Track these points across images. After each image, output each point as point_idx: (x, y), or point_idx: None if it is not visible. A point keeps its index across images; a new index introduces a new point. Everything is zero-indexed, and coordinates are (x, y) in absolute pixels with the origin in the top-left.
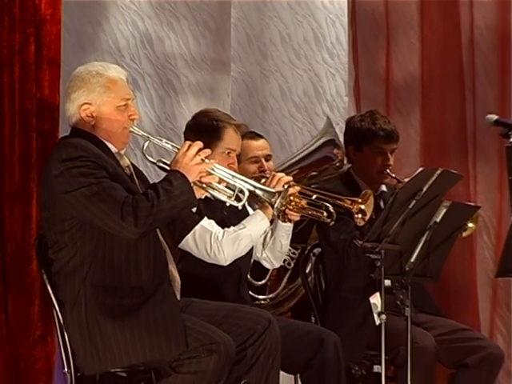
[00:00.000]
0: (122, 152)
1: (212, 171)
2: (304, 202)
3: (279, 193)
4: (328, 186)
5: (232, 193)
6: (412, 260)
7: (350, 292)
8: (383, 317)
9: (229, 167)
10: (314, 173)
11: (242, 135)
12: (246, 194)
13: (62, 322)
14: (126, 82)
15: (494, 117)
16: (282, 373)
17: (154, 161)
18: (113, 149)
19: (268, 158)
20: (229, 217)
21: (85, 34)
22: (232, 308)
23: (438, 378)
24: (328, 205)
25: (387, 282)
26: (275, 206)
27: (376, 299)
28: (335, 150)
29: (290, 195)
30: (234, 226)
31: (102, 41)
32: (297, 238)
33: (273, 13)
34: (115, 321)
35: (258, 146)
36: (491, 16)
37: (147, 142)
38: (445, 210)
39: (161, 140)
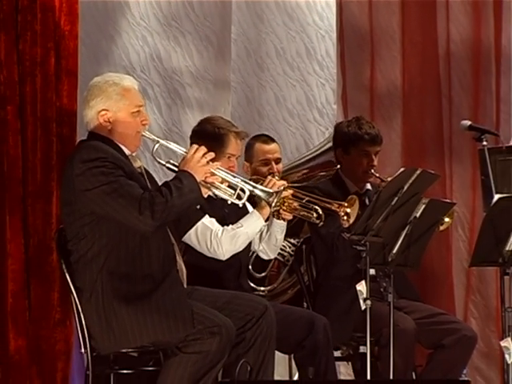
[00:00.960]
0: (134, 154)
1: (216, 172)
2: (296, 204)
3: (276, 193)
4: (319, 185)
5: (233, 192)
6: (394, 251)
7: (338, 280)
8: (368, 302)
9: (229, 170)
10: (323, 173)
11: (256, 138)
12: (247, 192)
13: (79, 307)
14: (138, 90)
15: (468, 122)
16: (277, 353)
17: (163, 162)
18: (126, 151)
19: (278, 160)
20: (229, 214)
21: (100, 48)
22: (232, 295)
23: (417, 358)
24: (317, 207)
25: (372, 271)
26: (272, 204)
27: (362, 286)
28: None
29: (284, 197)
30: (233, 223)
31: (115, 54)
32: (290, 232)
33: (269, 29)
34: (129, 305)
35: (270, 150)
36: (466, 31)
37: (157, 145)
38: (423, 206)
39: (169, 143)
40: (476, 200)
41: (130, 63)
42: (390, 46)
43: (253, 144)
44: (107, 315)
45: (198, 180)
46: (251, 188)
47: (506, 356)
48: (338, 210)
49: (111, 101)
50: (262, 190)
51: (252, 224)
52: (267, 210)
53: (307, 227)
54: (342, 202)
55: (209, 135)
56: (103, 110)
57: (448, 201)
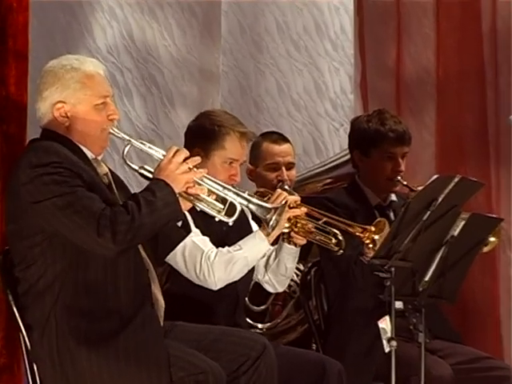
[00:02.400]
0: (100, 158)
1: (201, 182)
2: (311, 226)
3: (275, 209)
4: (331, 196)
5: (222, 207)
6: (426, 279)
7: (355, 315)
8: (393, 343)
9: (229, 179)
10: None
11: (264, 136)
12: (238, 208)
13: (29, 349)
14: (104, 77)
15: None
16: None
17: (136, 168)
18: (89, 154)
19: (290, 166)
20: (228, 233)
21: (56, 23)
22: (221, 332)
23: None
24: (337, 232)
25: (398, 304)
26: (270, 223)
27: (385, 323)
28: None
29: (297, 217)
30: (234, 243)
31: (76, 31)
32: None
33: None
34: (90, 348)
35: (280, 152)
36: None
37: (128, 146)
38: (463, 223)
39: (144, 144)
40: None
41: (94, 42)
42: (422, 21)
43: (259, 143)
44: (62, 360)
45: (177, 191)
46: (245, 202)
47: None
48: (361, 235)
49: (69, 90)
50: (258, 205)
51: (253, 247)
52: (276, 231)
53: (316, 249)
54: (368, 227)
55: (206, 134)
56: (59, 101)
57: (494, 216)
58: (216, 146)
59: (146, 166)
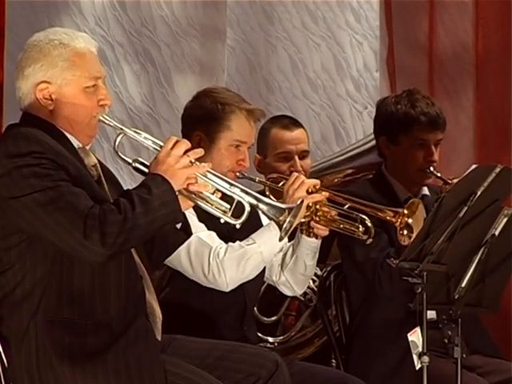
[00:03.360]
0: (88, 147)
1: (203, 178)
2: (334, 213)
3: (290, 209)
4: (353, 189)
5: (228, 206)
6: (463, 285)
7: (381, 327)
8: (425, 359)
9: (237, 165)
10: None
11: (273, 122)
12: (247, 209)
13: (5, 363)
14: (97, 55)
15: None
16: None
17: (129, 160)
18: (75, 143)
19: (304, 154)
20: (235, 229)
21: None
22: (228, 348)
23: None
24: (365, 217)
25: (431, 314)
26: (283, 226)
27: (416, 336)
28: None
29: (317, 203)
30: (240, 240)
31: (59, 0)
32: None
33: None
34: (74, 366)
35: (292, 139)
36: None
37: (120, 136)
38: (506, 220)
39: (138, 133)
40: None
41: (80, 12)
42: None
43: (268, 130)
44: (43, 377)
45: (177, 188)
46: (254, 202)
47: (414, 356)
48: (394, 220)
49: (55, 69)
50: (270, 205)
51: (269, 241)
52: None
53: (337, 249)
54: (400, 209)
55: (208, 114)
56: (43, 81)
57: None
58: (220, 127)
59: (141, 159)
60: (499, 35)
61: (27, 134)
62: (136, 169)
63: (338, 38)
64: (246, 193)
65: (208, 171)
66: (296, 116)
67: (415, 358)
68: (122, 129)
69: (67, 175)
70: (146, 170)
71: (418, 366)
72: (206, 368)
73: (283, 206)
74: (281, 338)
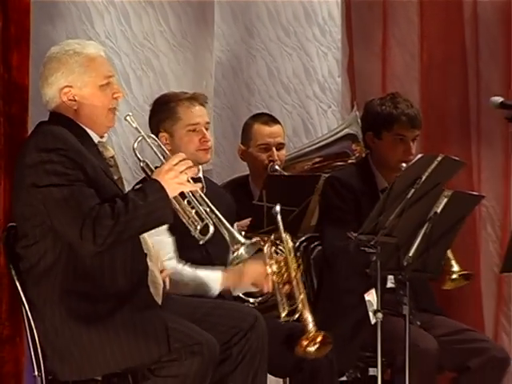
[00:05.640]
0: (105, 139)
1: (191, 197)
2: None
3: (243, 244)
4: (338, 174)
5: (200, 222)
6: (410, 254)
7: (344, 293)
8: (379, 315)
9: (200, 143)
10: (338, 163)
11: (255, 118)
12: (211, 230)
13: (31, 322)
14: (106, 57)
15: (500, 99)
16: (270, 377)
17: (142, 164)
18: (95, 138)
19: (280, 146)
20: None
21: (55, 9)
22: (214, 305)
23: (438, 383)
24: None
25: (390, 283)
26: (234, 254)
27: (371, 296)
28: (354, 146)
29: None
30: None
31: (75, 17)
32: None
33: None
34: (89, 326)
35: (270, 133)
36: None
37: (140, 138)
38: (446, 200)
39: (155, 141)
40: (508, 192)
41: (92, 27)
42: (407, 7)
43: (251, 125)
44: (65, 338)
45: (170, 197)
46: (222, 229)
47: (370, 313)
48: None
49: (74, 75)
50: (230, 233)
51: (210, 283)
52: (237, 278)
53: (306, 224)
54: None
55: (162, 114)
56: (66, 86)
57: (475, 193)
58: (173, 121)
59: (149, 163)
60: (442, 46)
61: (55, 131)
62: (142, 168)
63: (307, 49)
64: (218, 219)
65: (197, 191)
66: (272, 113)
67: (371, 314)
68: (141, 134)
69: (83, 175)
70: (148, 173)
71: (373, 321)
72: (195, 322)
73: (242, 240)
74: (260, 298)
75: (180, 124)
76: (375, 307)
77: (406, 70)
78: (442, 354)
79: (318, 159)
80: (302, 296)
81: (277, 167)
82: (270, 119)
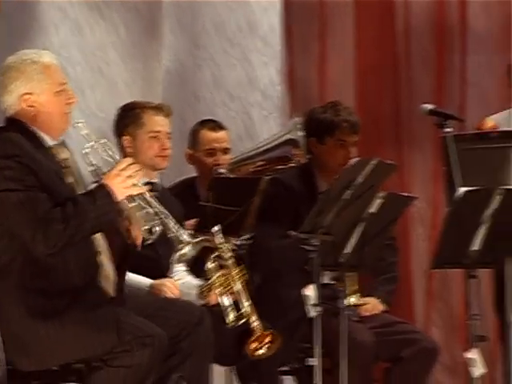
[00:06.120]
0: (59, 140)
1: (139, 199)
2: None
3: (188, 243)
4: (280, 176)
5: (148, 225)
6: (347, 251)
7: (284, 289)
8: (317, 309)
9: (160, 150)
10: (280, 167)
11: (202, 124)
12: (157, 231)
13: None
14: (59, 66)
15: (429, 106)
16: (216, 366)
17: (91, 169)
18: (49, 142)
19: (226, 151)
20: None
21: (13, 20)
22: (165, 301)
23: (373, 372)
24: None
25: (327, 274)
26: (180, 252)
27: (310, 291)
28: (294, 150)
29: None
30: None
31: (30, 28)
32: (229, 230)
33: (206, 0)
34: (47, 321)
35: (216, 139)
36: (428, 3)
37: (91, 144)
38: (380, 201)
39: (104, 147)
40: (437, 194)
41: (48, 39)
42: (343, 19)
43: (198, 130)
44: (24, 332)
45: (117, 200)
46: (169, 229)
47: (472, 369)
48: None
49: (33, 82)
50: (175, 234)
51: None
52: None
53: (250, 223)
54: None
55: (126, 120)
56: (26, 93)
57: (407, 195)
58: (137, 126)
59: (100, 168)
60: (375, 55)
61: (13, 138)
62: (92, 172)
63: (250, 59)
64: (163, 219)
65: (145, 193)
66: (218, 120)
67: (309, 308)
68: (91, 139)
69: (38, 179)
70: (97, 176)
71: (311, 315)
72: (147, 317)
73: (187, 239)
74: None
75: (143, 129)
76: (314, 301)
77: (342, 77)
78: (377, 346)
79: (260, 163)
80: (247, 303)
81: (222, 170)
82: (216, 125)
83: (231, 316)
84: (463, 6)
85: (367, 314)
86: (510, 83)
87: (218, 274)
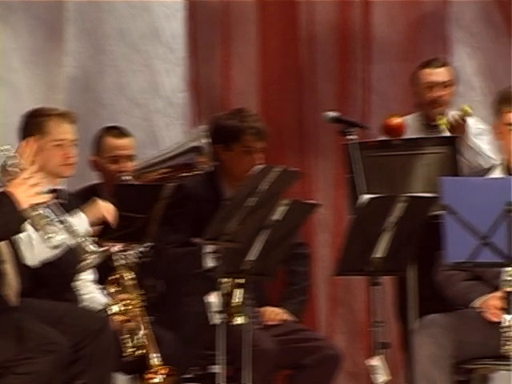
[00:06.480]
0: None
1: (43, 208)
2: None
3: (92, 252)
4: (185, 183)
5: (51, 233)
6: (251, 258)
7: (186, 296)
8: (221, 316)
9: (64, 159)
10: (184, 174)
11: (106, 131)
12: (60, 238)
13: None
14: None
15: (333, 114)
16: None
17: None
18: None
19: (130, 158)
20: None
21: None
22: (68, 308)
23: (275, 379)
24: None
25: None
26: (84, 262)
27: (213, 298)
28: (199, 158)
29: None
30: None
31: None
32: (133, 238)
33: (109, 6)
34: None
35: (121, 146)
36: (331, 11)
37: None
38: (284, 208)
39: (7, 154)
40: (341, 201)
41: None
42: (247, 27)
43: (102, 137)
44: None
45: (20, 208)
46: (72, 238)
47: (375, 376)
48: None
49: None
50: (79, 245)
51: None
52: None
53: (154, 230)
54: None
55: (30, 128)
56: None
57: (311, 202)
58: (42, 134)
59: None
60: (279, 63)
61: None
62: None
63: (154, 66)
64: (66, 227)
65: (45, 204)
66: (122, 127)
67: (212, 315)
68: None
69: None
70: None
71: (214, 322)
72: (50, 324)
73: (91, 248)
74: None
75: (48, 138)
76: (217, 308)
77: (247, 85)
78: (280, 353)
79: (165, 170)
80: (146, 331)
81: (126, 177)
82: (121, 132)
83: (129, 346)
84: (367, 15)
85: (270, 322)
86: (413, 91)
87: (117, 300)
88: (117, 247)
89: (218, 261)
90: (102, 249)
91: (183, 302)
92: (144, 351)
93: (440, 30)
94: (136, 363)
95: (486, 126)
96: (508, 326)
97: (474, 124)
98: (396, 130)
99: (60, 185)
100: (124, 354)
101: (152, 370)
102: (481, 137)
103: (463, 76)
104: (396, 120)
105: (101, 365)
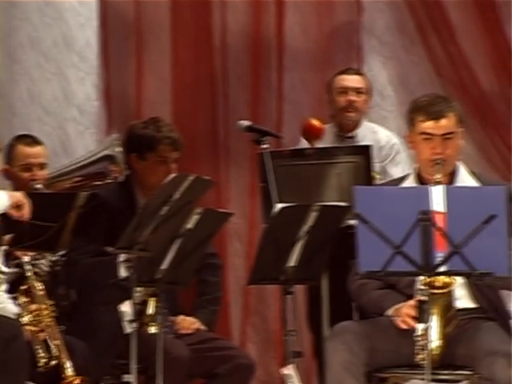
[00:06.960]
0: None
1: None
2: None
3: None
4: (99, 192)
5: None
6: (163, 267)
7: (101, 304)
8: (134, 325)
9: None
10: (97, 183)
11: (18, 139)
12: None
13: None
14: None
15: (246, 123)
16: None
17: None
18: None
19: (43, 166)
20: None
21: None
22: None
23: None
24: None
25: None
26: None
27: (126, 307)
28: (112, 166)
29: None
30: None
31: None
32: (46, 246)
33: (21, 15)
34: None
35: (32, 154)
36: (244, 21)
37: None
38: (197, 217)
39: None
40: (254, 210)
41: None
42: (159, 36)
43: (13, 145)
44: None
45: None
46: None
47: (125, 323)
48: None
49: None
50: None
51: None
52: None
53: (66, 239)
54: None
55: None
56: None
57: (224, 211)
58: None
59: None
60: (192, 72)
61: None
62: None
63: (66, 75)
64: None
65: None
66: (34, 135)
67: (126, 324)
68: None
69: None
70: None
71: (128, 331)
72: None
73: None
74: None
75: None
76: (130, 318)
77: (159, 94)
78: (193, 362)
79: (77, 178)
80: (57, 342)
81: (38, 186)
82: (32, 140)
83: (42, 357)
84: (280, 24)
85: (184, 331)
86: (328, 99)
87: (28, 311)
88: (27, 257)
89: (131, 270)
90: (12, 270)
91: (96, 311)
92: (57, 361)
93: (353, 39)
94: (50, 374)
95: (399, 139)
96: (421, 335)
97: (387, 142)
98: (316, 131)
99: None
100: (38, 365)
101: (66, 381)
102: (399, 157)
103: (376, 85)
104: (317, 121)
105: (13, 373)
